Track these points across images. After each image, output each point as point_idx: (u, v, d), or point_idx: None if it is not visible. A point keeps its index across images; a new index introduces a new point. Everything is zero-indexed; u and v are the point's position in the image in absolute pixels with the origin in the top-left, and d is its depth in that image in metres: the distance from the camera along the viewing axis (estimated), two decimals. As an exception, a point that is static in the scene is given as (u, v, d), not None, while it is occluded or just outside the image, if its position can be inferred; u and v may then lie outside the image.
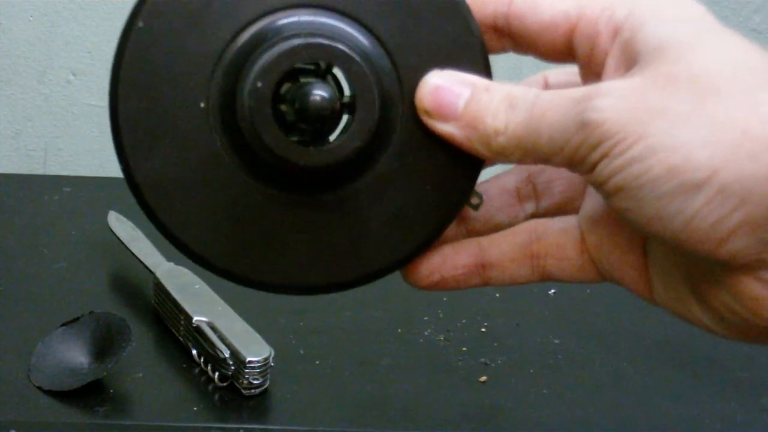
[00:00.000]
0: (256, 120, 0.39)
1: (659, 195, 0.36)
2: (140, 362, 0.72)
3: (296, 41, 0.39)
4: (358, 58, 0.39)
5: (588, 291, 0.84)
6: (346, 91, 0.41)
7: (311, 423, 0.69)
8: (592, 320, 0.81)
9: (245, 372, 0.69)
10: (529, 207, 0.47)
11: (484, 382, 0.73)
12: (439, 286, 0.45)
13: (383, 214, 0.42)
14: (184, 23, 0.40)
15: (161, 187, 0.41)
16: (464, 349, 0.76)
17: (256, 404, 0.70)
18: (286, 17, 0.41)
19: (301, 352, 0.75)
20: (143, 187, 0.42)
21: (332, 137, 0.41)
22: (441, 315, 0.80)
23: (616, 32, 0.40)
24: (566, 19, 0.41)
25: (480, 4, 0.42)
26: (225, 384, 0.70)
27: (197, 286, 0.76)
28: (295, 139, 0.40)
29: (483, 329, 0.79)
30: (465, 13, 0.42)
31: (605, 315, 0.82)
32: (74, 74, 1.10)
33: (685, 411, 0.71)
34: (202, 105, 0.41)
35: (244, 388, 0.69)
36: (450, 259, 0.44)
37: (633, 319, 0.81)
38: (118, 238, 0.84)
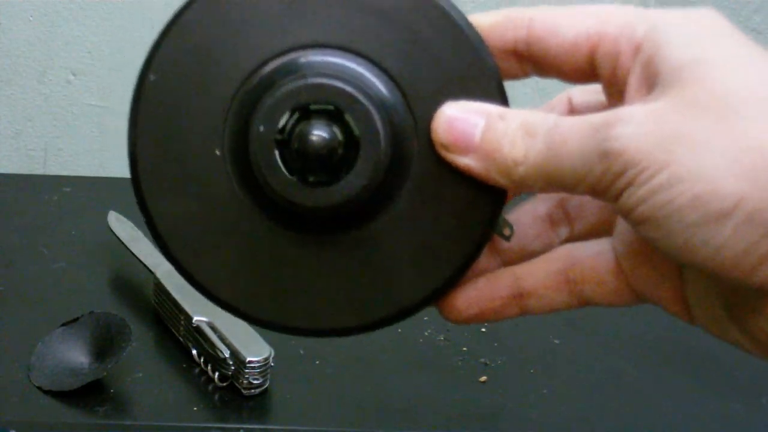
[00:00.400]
0: (261, 163, 0.39)
1: (686, 225, 0.35)
2: (140, 362, 0.73)
3: (298, 82, 0.39)
4: (359, 96, 0.39)
5: (588, 291, 0.84)
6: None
7: (311, 423, 0.69)
8: (592, 320, 0.81)
9: (245, 372, 0.69)
10: (563, 232, 0.46)
11: (484, 382, 0.73)
12: (478, 319, 0.44)
13: (408, 250, 0.42)
14: (195, 72, 0.41)
15: (183, 235, 0.42)
16: (464, 349, 0.77)
17: (256, 404, 0.70)
18: (294, 59, 0.40)
19: (301, 352, 0.75)
20: (165, 235, 0.42)
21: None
22: (441, 315, 0.80)
23: (637, 50, 0.39)
24: (587, 39, 0.40)
25: (499, 30, 0.42)
26: (225, 384, 0.70)
27: (197, 286, 0.76)
28: (312, 179, 0.40)
29: (483, 329, 0.79)
30: (475, 42, 0.41)
31: (605, 315, 0.82)
32: (74, 74, 1.10)
33: (685, 411, 0.71)
34: (217, 152, 0.41)
35: (244, 388, 0.70)
36: (486, 292, 0.44)
37: (633, 319, 0.81)
38: (118, 238, 0.84)
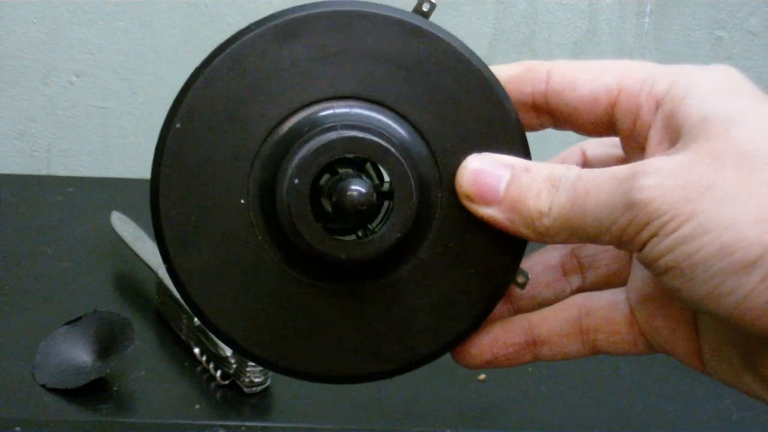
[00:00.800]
0: (295, 217, 0.39)
1: (712, 274, 0.35)
2: (143, 360, 0.73)
3: (332, 135, 0.39)
4: (393, 150, 0.39)
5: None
6: (385, 177, 0.41)
7: (312, 420, 0.69)
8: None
9: (247, 370, 0.69)
10: (575, 281, 0.46)
11: (482, 380, 0.74)
12: (491, 365, 0.45)
13: (427, 300, 0.42)
14: (221, 121, 0.41)
15: (205, 283, 0.42)
16: (463, 347, 0.77)
17: (258, 402, 0.70)
18: (321, 110, 0.41)
19: (302, 350, 0.75)
20: (187, 284, 0.42)
21: (373, 224, 0.41)
22: (440, 314, 0.80)
23: (657, 105, 0.39)
24: (606, 93, 0.41)
25: (518, 84, 0.42)
26: (227, 382, 0.71)
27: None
28: (336, 226, 0.40)
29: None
30: (500, 95, 0.41)
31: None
32: (77, 76, 1.10)
33: (682, 409, 0.72)
34: (242, 201, 0.41)
35: (246, 386, 0.70)
36: (500, 339, 0.44)
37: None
38: (121, 238, 0.84)
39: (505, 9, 1.08)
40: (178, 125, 0.41)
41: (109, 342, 0.72)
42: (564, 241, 0.40)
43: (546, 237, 0.40)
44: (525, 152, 0.42)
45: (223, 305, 0.42)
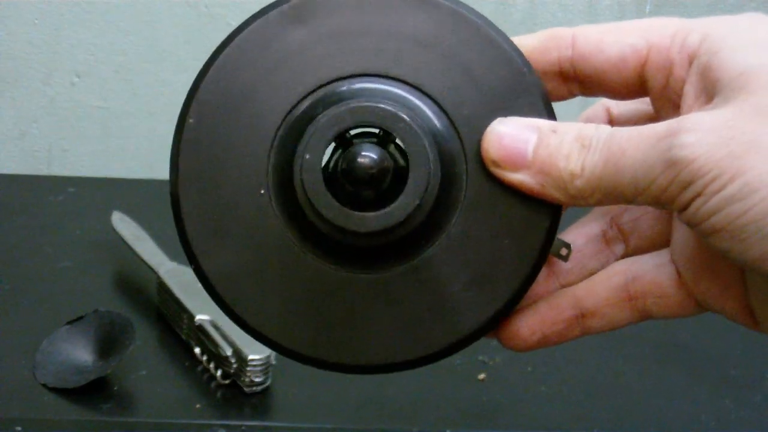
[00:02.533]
0: (309, 193, 0.38)
1: (764, 235, 0.34)
2: (144, 360, 0.73)
3: (341, 108, 0.38)
4: (403, 115, 0.38)
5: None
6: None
7: (312, 420, 0.69)
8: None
9: (247, 370, 0.70)
10: (619, 249, 0.45)
11: (482, 380, 0.74)
12: (541, 345, 0.43)
13: (463, 276, 0.41)
14: (234, 113, 0.40)
15: (232, 279, 0.41)
16: (463, 347, 0.77)
17: (258, 402, 0.70)
18: (333, 89, 0.40)
19: (302, 350, 0.75)
20: (215, 282, 0.41)
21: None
22: (440, 314, 0.80)
23: (691, 59, 0.38)
24: (634, 53, 0.40)
25: (542, 52, 0.41)
26: (227, 382, 0.71)
27: (199, 285, 0.76)
28: (362, 204, 0.39)
29: (482, 328, 0.79)
30: (517, 59, 0.40)
31: (602, 314, 0.82)
32: (78, 76, 1.10)
33: (681, 408, 0.72)
34: (262, 191, 0.40)
35: (246, 386, 0.70)
36: (548, 316, 0.43)
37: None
38: (122, 238, 0.84)
39: (505, 9, 1.08)
40: (191, 121, 0.40)
41: (109, 342, 0.72)
42: (598, 203, 0.39)
43: (579, 199, 0.38)
44: (550, 115, 0.40)
45: (255, 303, 0.41)
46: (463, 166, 0.40)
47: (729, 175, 0.34)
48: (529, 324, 0.42)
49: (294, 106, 0.40)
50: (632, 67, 0.40)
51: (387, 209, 0.38)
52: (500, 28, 0.42)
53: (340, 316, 0.41)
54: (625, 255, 0.45)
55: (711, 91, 0.37)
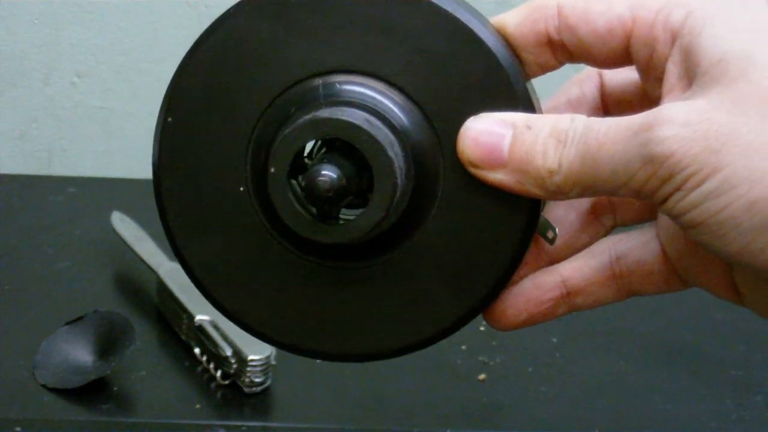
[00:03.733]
0: (277, 204, 0.39)
1: (742, 231, 0.34)
2: (143, 360, 0.73)
3: (305, 118, 0.38)
4: (366, 128, 0.38)
5: (586, 290, 0.84)
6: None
7: (312, 420, 0.69)
8: (590, 319, 0.81)
9: (247, 370, 0.70)
10: (608, 221, 0.45)
11: (482, 380, 0.74)
12: (527, 324, 0.43)
13: (444, 268, 0.41)
14: (212, 111, 0.41)
15: (217, 273, 0.42)
16: (463, 347, 0.77)
17: (258, 402, 0.70)
18: (305, 89, 0.40)
19: (302, 350, 0.76)
20: (200, 276, 0.42)
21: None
22: (440, 314, 0.80)
23: (674, 37, 0.38)
24: (621, 24, 0.39)
25: (530, 25, 0.40)
26: (227, 382, 0.71)
27: (199, 286, 0.76)
28: (330, 215, 0.39)
29: (482, 328, 0.79)
30: (493, 48, 0.40)
31: (602, 314, 0.81)
32: (78, 76, 1.10)
33: (681, 409, 0.72)
34: (241, 189, 0.41)
35: (246, 386, 0.70)
36: (534, 296, 0.43)
37: (629, 318, 0.82)
38: (122, 238, 0.84)
39: (504, 10, 1.08)
40: (169, 119, 0.41)
41: (109, 342, 0.72)
42: (578, 197, 0.39)
43: (559, 195, 0.38)
44: (528, 105, 0.40)
45: (238, 294, 0.42)
46: (439, 159, 0.40)
47: (707, 171, 0.34)
48: (516, 305, 0.43)
49: (268, 106, 0.40)
50: (619, 40, 0.39)
51: (352, 221, 0.39)
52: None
53: (319, 306, 0.42)
54: (613, 226, 0.45)
55: (691, 75, 0.36)
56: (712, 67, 0.35)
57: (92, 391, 0.69)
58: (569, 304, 0.43)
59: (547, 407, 0.72)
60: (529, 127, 0.38)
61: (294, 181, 0.39)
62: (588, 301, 0.43)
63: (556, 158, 0.37)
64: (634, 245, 0.43)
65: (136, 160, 1.12)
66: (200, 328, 0.72)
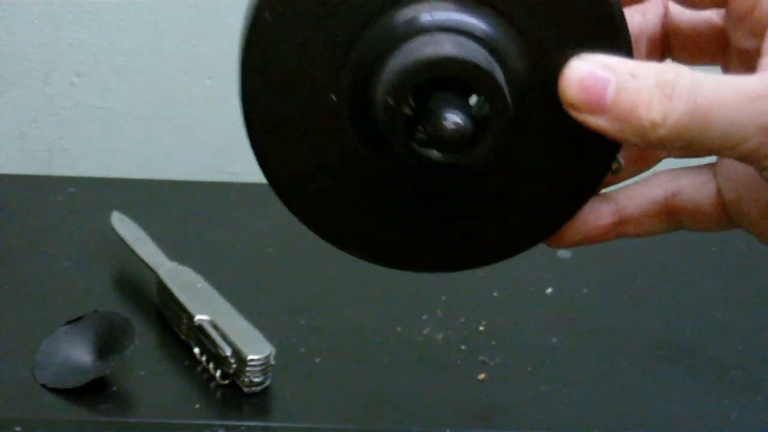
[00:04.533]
0: (389, 135, 0.38)
1: None
2: (143, 360, 0.73)
3: (428, 51, 0.37)
4: (492, 73, 0.37)
5: (585, 290, 0.84)
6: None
7: (312, 420, 0.70)
8: (589, 319, 0.81)
9: (246, 370, 0.70)
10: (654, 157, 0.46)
11: (482, 380, 0.74)
12: (580, 244, 0.44)
13: (523, 190, 0.42)
14: (313, 12, 0.39)
15: (300, 183, 0.41)
16: (463, 347, 0.77)
17: (257, 402, 0.70)
18: (414, 14, 0.39)
19: (302, 350, 0.76)
20: (282, 186, 0.41)
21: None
22: (440, 314, 0.80)
23: None
24: None
25: None
26: (226, 382, 0.71)
27: (199, 285, 0.77)
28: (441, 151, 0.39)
29: (481, 328, 0.80)
30: None
31: (602, 314, 0.82)
32: (78, 76, 1.10)
33: (681, 409, 0.72)
34: (334, 98, 0.40)
35: (246, 386, 0.70)
36: (591, 221, 0.43)
37: (629, 318, 0.82)
38: (122, 238, 0.84)
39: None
40: (267, 16, 0.39)
41: (109, 342, 0.72)
42: (677, 152, 0.38)
43: (658, 147, 0.38)
44: (628, 50, 0.39)
45: (320, 205, 0.41)
46: (531, 91, 0.40)
47: None
48: (573, 226, 0.43)
49: (372, 19, 0.39)
50: None
51: (462, 157, 0.38)
52: None
53: (400, 217, 0.42)
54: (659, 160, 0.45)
55: None
56: None
57: (92, 391, 0.69)
58: (619, 231, 0.44)
59: (546, 407, 0.72)
60: (633, 76, 0.37)
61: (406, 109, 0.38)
62: (637, 231, 0.44)
63: (660, 111, 0.37)
64: (690, 184, 0.43)
65: (136, 160, 1.12)
66: (200, 328, 0.72)
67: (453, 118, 0.37)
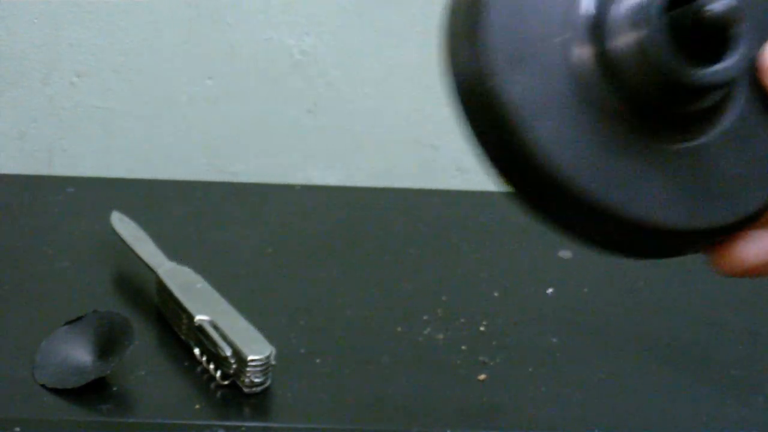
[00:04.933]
0: (646, 41, 0.38)
1: None
2: (143, 360, 0.73)
3: None
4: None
5: (585, 290, 0.85)
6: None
7: (312, 420, 0.69)
8: (590, 319, 0.81)
9: (247, 370, 0.70)
10: None
11: (482, 380, 0.74)
12: (759, 273, 0.41)
13: (730, 170, 0.41)
14: None
15: (527, 109, 0.40)
16: (463, 347, 0.77)
17: (258, 402, 0.70)
18: None
19: (302, 350, 0.76)
20: (509, 106, 0.40)
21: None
22: (440, 314, 0.80)
23: None
24: None
25: None
26: (227, 382, 0.71)
27: (199, 285, 0.77)
28: (695, 56, 0.38)
29: (482, 328, 0.80)
30: None
31: (602, 314, 0.82)
32: (78, 76, 1.10)
33: (682, 409, 0.72)
34: (557, 40, 0.40)
35: (246, 387, 0.70)
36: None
37: (629, 318, 0.82)
38: (121, 238, 0.84)
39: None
40: None
41: (109, 342, 0.72)
42: None
43: None
44: None
45: (546, 135, 0.40)
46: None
47: None
48: (756, 248, 0.41)
49: None
50: None
51: (718, 66, 0.38)
52: None
53: (625, 170, 0.40)
54: None
55: None
56: None
57: (92, 392, 0.69)
58: None
59: (546, 407, 0.72)
60: None
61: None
62: None
63: None
64: None
65: (136, 160, 1.12)
66: (200, 328, 0.72)
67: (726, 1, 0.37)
